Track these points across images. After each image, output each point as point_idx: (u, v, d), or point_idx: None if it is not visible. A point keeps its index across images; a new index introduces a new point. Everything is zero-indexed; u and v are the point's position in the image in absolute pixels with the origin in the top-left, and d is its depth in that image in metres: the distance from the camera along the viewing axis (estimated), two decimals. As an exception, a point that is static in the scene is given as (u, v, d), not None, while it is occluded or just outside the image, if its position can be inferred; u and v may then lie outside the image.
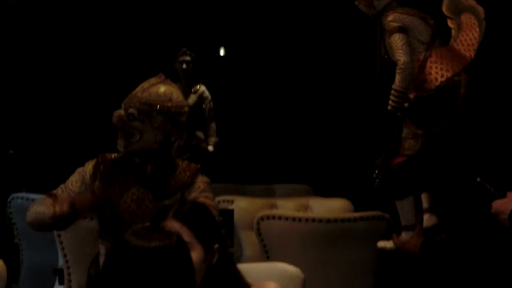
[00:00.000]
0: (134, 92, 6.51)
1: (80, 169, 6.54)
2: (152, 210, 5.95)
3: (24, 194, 9.70)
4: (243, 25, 11.83)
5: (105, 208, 6.30)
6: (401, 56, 7.78)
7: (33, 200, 9.14)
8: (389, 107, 7.79)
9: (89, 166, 6.45)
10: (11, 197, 9.78)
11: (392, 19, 7.93)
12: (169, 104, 6.46)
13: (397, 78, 7.81)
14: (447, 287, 7.78)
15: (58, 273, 8.38)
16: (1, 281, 6.14)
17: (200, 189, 6.48)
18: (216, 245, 5.27)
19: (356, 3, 8.10)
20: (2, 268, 6.17)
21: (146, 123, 6.43)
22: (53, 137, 11.20)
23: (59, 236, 8.06)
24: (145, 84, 6.54)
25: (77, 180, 6.42)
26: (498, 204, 6.15)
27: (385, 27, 7.97)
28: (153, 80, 6.60)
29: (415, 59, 7.97)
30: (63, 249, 7.96)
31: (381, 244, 8.10)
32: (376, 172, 8.07)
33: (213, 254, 5.20)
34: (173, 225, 5.22)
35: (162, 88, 6.53)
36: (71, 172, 6.72)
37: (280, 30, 11.71)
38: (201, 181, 6.53)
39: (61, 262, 8.16)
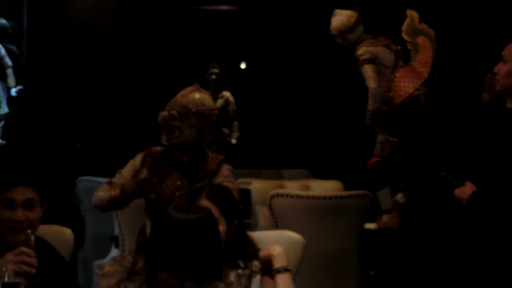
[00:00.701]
0: (175, 98, 6.70)
1: (131, 161, 6.75)
2: (188, 192, 6.08)
3: (88, 177, 9.73)
4: (257, 45, 11.82)
5: (150, 191, 6.38)
6: (371, 83, 8.00)
7: (95, 182, 9.29)
8: (367, 123, 7.99)
9: (138, 158, 6.67)
10: (78, 179, 9.83)
11: (362, 52, 8.14)
12: (203, 108, 6.62)
13: (370, 101, 8.06)
14: (420, 255, 7.84)
15: (115, 240, 8.43)
16: (69, 246, 6.19)
17: (225, 175, 6.62)
18: (236, 221, 5.39)
19: (334, 38, 8.27)
20: (70, 235, 6.24)
21: (184, 122, 6.61)
22: (111, 133, 11.17)
23: (115, 210, 8.16)
24: (184, 91, 6.70)
25: (129, 169, 6.61)
26: (458, 192, 6.23)
27: (357, 59, 8.14)
28: (190, 88, 6.76)
29: (384, 80, 8.11)
30: (118, 220, 8.01)
31: (368, 226, 8.30)
32: (357, 171, 8.26)
33: (233, 227, 5.29)
34: (204, 203, 5.34)
35: (197, 95, 6.69)
36: (125, 160, 6.85)
37: (285, 46, 11.72)
38: (226, 168, 6.68)
39: (116, 231, 8.19)
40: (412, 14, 8.42)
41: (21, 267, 4.89)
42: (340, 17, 8.52)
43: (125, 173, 6.69)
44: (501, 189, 6.18)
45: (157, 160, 6.65)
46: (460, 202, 6.26)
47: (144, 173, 6.65)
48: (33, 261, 5.00)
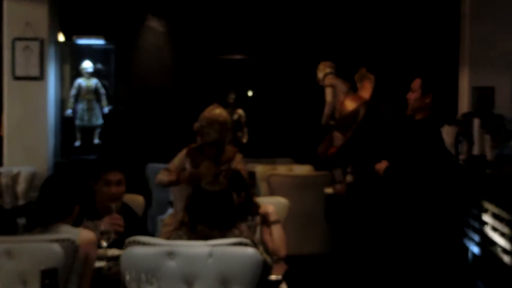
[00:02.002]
0: (203, 113, 6.83)
1: (179, 154, 6.91)
2: (214, 173, 6.22)
3: (153, 164, 9.70)
4: (260, 81, 11.77)
5: (194, 181, 6.42)
6: (328, 98, 8.11)
7: (157, 167, 9.32)
8: (322, 123, 8.17)
9: (184, 151, 6.83)
10: (147, 165, 9.84)
11: (327, 81, 8.26)
12: (221, 119, 6.71)
13: (326, 109, 8.17)
14: (361, 211, 7.92)
15: (170, 203, 8.48)
16: (141, 207, 6.34)
17: (237, 161, 6.72)
18: (243, 193, 5.53)
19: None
20: (142, 200, 6.40)
21: (210, 129, 6.69)
22: (167, 135, 11.10)
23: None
24: (208, 109, 6.83)
25: (178, 159, 6.75)
26: (377, 166, 6.41)
27: (324, 84, 8.30)
28: (212, 106, 6.89)
29: (339, 100, 8.23)
30: (172, 191, 8.09)
31: (327, 190, 8.30)
32: (321, 153, 8.37)
33: (241, 196, 5.42)
34: (223, 180, 5.49)
35: (217, 111, 6.83)
36: (175, 153, 7.03)
37: (275, 81, 11.66)
38: (239, 156, 6.80)
39: (171, 197, 8.23)
40: (361, 68, 8.55)
41: (114, 227, 5.07)
42: (321, 64, 8.78)
43: (176, 161, 6.88)
44: (403, 166, 6.36)
45: (195, 153, 6.78)
46: (378, 172, 6.47)
47: (188, 161, 6.81)
48: (121, 223, 5.20)
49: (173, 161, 6.94)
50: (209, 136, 6.82)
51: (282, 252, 5.53)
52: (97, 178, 5.69)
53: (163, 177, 6.85)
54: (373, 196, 7.65)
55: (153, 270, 3.99)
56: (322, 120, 8.54)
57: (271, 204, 5.83)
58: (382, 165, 6.53)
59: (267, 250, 5.44)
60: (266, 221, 5.64)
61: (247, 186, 5.86)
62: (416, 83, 6.46)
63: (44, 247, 4.30)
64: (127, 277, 3.82)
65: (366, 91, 8.38)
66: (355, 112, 8.22)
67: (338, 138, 8.41)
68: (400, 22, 11.45)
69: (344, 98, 8.41)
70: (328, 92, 8.61)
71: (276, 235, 5.59)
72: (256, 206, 5.73)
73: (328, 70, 8.75)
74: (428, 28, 11.25)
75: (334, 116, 8.52)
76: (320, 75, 8.78)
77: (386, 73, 10.23)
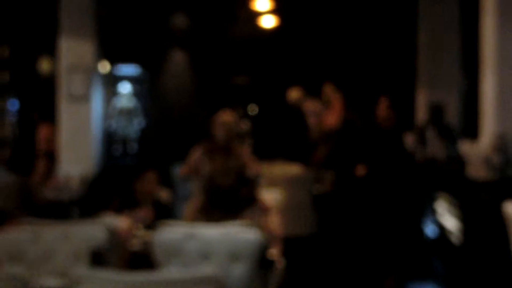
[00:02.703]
0: (215, 118, 6.70)
1: (195, 152, 6.71)
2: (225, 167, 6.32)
3: (177, 165, 9.69)
4: (261, 100, 11.82)
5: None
6: (310, 121, 7.84)
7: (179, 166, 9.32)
8: (309, 141, 7.99)
9: (199, 147, 6.64)
10: (173, 166, 9.78)
11: (305, 109, 8.03)
12: (228, 122, 6.69)
13: (310, 132, 7.94)
14: (344, 204, 7.90)
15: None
16: (169, 199, 6.33)
17: (248, 155, 6.69)
18: (249, 185, 5.52)
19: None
20: (169, 196, 6.37)
21: (221, 130, 6.64)
22: (184, 138, 11.11)
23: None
24: (219, 114, 6.75)
25: (195, 156, 6.58)
26: (357, 170, 6.32)
27: (304, 112, 8.08)
28: (221, 113, 6.79)
29: (319, 120, 8.03)
30: (192, 185, 8.11)
31: (314, 188, 8.22)
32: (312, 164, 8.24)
33: (249, 187, 5.39)
34: (233, 176, 5.49)
35: (225, 117, 6.74)
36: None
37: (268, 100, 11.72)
38: (247, 151, 6.82)
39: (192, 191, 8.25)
40: (325, 89, 8.38)
41: (145, 220, 5.11)
42: (292, 94, 8.61)
43: (192, 158, 6.85)
44: (377, 168, 6.35)
45: (209, 148, 6.62)
46: (358, 175, 6.45)
47: (205, 157, 6.67)
48: (151, 216, 5.21)
49: (190, 157, 6.96)
50: (220, 137, 6.88)
51: (278, 232, 5.54)
52: (137, 176, 5.74)
53: (181, 171, 6.88)
54: (353, 190, 7.65)
55: (177, 248, 4.02)
56: (310, 139, 8.37)
57: (269, 194, 5.84)
58: (361, 168, 6.51)
59: (265, 232, 5.45)
60: (263, 208, 5.65)
61: (253, 180, 5.86)
62: (384, 98, 6.50)
63: (92, 230, 4.37)
64: (157, 253, 3.85)
65: (337, 106, 8.25)
66: (333, 127, 8.11)
67: (322, 148, 8.29)
68: (368, 48, 11.59)
69: (322, 116, 8.23)
70: (309, 116, 8.35)
71: (273, 219, 5.61)
72: (258, 195, 5.75)
73: (300, 98, 8.52)
74: (389, 53, 11.42)
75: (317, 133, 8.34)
76: (295, 105, 8.60)
77: (356, 91, 10.29)
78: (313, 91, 8.85)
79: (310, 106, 8.27)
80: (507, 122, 5.97)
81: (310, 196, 8.48)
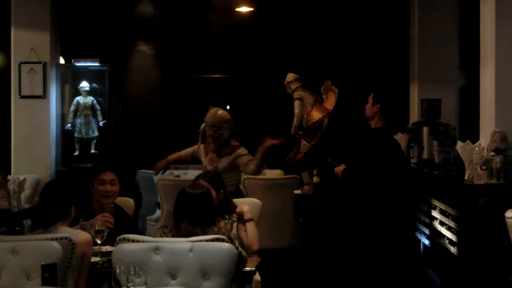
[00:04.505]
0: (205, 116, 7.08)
1: (195, 146, 7.33)
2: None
3: (143, 170, 9.71)
4: (238, 96, 11.76)
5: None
6: (296, 110, 7.97)
7: (147, 172, 9.33)
8: (291, 133, 8.07)
9: (200, 145, 7.27)
10: (137, 171, 9.82)
11: (296, 94, 8.14)
12: (217, 119, 7.13)
13: (294, 120, 8.05)
14: (326, 208, 7.91)
15: (158, 205, 8.44)
16: (132, 208, 6.28)
17: (244, 154, 7.26)
18: (222, 191, 5.50)
19: (286, 86, 8.38)
20: (132, 202, 6.34)
21: (210, 128, 7.11)
22: (155, 145, 11.09)
23: (158, 188, 8.14)
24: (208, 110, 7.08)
25: (192, 149, 7.29)
26: (336, 169, 6.40)
27: (293, 97, 8.18)
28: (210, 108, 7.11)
29: (307, 111, 8.14)
30: (160, 193, 8.06)
31: (295, 191, 8.23)
32: (290, 159, 8.29)
33: (220, 194, 5.39)
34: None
35: (212, 111, 7.12)
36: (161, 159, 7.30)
37: (248, 97, 11.66)
38: (242, 150, 7.29)
39: (159, 199, 8.21)
40: (327, 81, 8.53)
41: (105, 225, 5.02)
42: (289, 75, 8.63)
43: (188, 149, 7.30)
44: (358, 168, 6.36)
45: (206, 147, 7.12)
46: (337, 174, 6.47)
47: (202, 152, 7.25)
48: (111, 221, 5.14)
49: (187, 149, 7.18)
50: (209, 134, 6.99)
51: (255, 246, 5.49)
52: (93, 178, 5.69)
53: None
54: (336, 196, 7.66)
55: (141, 264, 3.97)
56: (291, 131, 8.46)
57: (246, 204, 5.79)
58: (339, 168, 6.54)
59: (242, 244, 5.40)
60: (241, 219, 5.61)
61: (225, 186, 5.83)
62: (371, 96, 6.52)
63: (44, 245, 4.29)
64: (118, 270, 3.80)
65: (330, 103, 8.38)
66: (320, 122, 8.21)
67: (305, 145, 8.34)
68: (361, 43, 11.63)
69: (311, 109, 8.33)
70: (296, 105, 8.47)
71: (250, 232, 5.54)
72: (233, 206, 5.70)
73: (297, 84, 8.63)
74: (383, 48, 11.45)
75: (302, 125, 8.44)
76: (289, 90, 8.70)
77: (348, 87, 10.29)
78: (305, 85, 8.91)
79: (303, 94, 8.39)
80: (509, 121, 5.97)
81: (291, 204, 8.44)
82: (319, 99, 8.52)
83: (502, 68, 6.01)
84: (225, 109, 7.37)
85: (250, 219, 5.59)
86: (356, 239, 6.66)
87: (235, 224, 5.55)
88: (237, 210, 5.62)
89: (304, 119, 8.35)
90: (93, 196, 5.70)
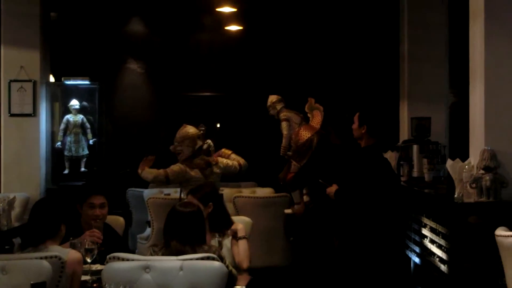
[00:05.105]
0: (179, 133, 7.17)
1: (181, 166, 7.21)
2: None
3: (133, 189, 9.72)
4: (226, 115, 11.80)
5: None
6: (285, 131, 7.94)
7: (137, 191, 9.31)
8: (281, 154, 8.06)
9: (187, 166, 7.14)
10: (128, 190, 9.82)
11: (282, 115, 8.12)
12: (190, 134, 7.21)
13: (283, 141, 8.03)
14: (317, 227, 7.91)
15: (148, 223, 8.44)
16: (122, 227, 6.27)
17: (229, 155, 7.52)
18: (211, 203, 5.49)
19: (268, 108, 8.39)
20: (122, 221, 6.33)
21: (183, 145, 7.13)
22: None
23: (148, 207, 8.14)
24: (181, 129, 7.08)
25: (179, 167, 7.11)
26: (328, 190, 6.39)
27: (280, 119, 8.17)
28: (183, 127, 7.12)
29: (294, 131, 8.12)
30: (150, 212, 8.06)
31: (286, 211, 8.25)
32: (280, 179, 8.28)
33: (208, 206, 5.37)
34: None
35: (191, 129, 7.00)
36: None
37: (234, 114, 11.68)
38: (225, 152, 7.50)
39: (149, 217, 8.22)
40: (310, 99, 8.53)
41: (93, 239, 5.00)
42: (271, 97, 8.62)
43: (175, 170, 7.15)
44: (351, 189, 6.35)
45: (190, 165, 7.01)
46: (329, 195, 6.47)
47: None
48: (100, 236, 5.12)
49: (173, 169, 7.07)
50: (183, 151, 6.97)
51: (245, 264, 5.49)
52: (82, 201, 5.66)
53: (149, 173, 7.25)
54: (327, 215, 7.66)
55: (131, 283, 3.97)
56: (280, 152, 8.46)
57: (239, 223, 5.80)
58: (332, 189, 6.54)
59: (233, 262, 5.40)
60: (235, 237, 5.61)
61: (219, 199, 5.84)
62: (356, 116, 6.54)
63: (34, 264, 4.28)
64: (109, 287, 3.80)
65: (316, 121, 8.37)
66: (309, 141, 8.20)
67: (295, 165, 8.34)
68: (351, 61, 11.69)
69: (299, 128, 8.34)
70: (284, 126, 8.47)
71: (242, 250, 5.55)
72: (230, 223, 5.70)
73: (281, 105, 8.64)
74: (373, 66, 11.51)
75: (291, 145, 8.43)
76: (273, 111, 8.70)
77: (338, 104, 10.36)
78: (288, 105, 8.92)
79: (289, 114, 8.38)
80: (498, 140, 5.98)
81: (282, 222, 8.44)
82: (305, 118, 8.56)
83: (491, 87, 6.03)
84: (210, 127, 7.46)
85: (243, 237, 5.59)
86: (347, 257, 6.66)
87: (229, 239, 5.57)
88: (232, 227, 5.63)
89: (292, 139, 8.34)
90: (82, 217, 5.67)
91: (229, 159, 7.53)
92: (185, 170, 7.09)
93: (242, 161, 7.57)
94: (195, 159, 7.14)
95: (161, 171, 7.15)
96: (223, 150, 7.72)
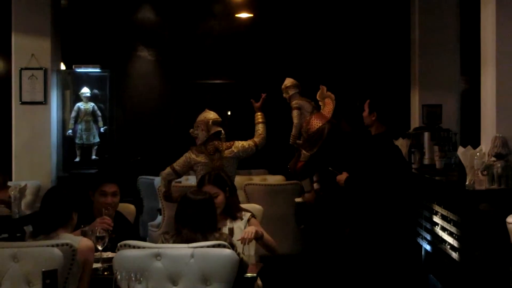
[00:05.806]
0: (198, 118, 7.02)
1: (185, 155, 7.04)
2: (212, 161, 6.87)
3: (144, 176, 9.78)
4: (237, 102, 11.79)
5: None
6: (295, 120, 7.85)
7: (148, 178, 9.33)
8: (290, 142, 8.00)
9: (189, 154, 7.01)
10: (139, 177, 9.88)
11: (294, 103, 8.02)
12: (207, 120, 7.01)
13: (293, 130, 7.95)
14: (327, 215, 7.91)
15: (159, 211, 8.45)
16: (133, 214, 6.27)
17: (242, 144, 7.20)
18: (227, 188, 5.47)
19: (283, 91, 8.26)
20: (133, 208, 6.32)
21: (199, 130, 7.01)
22: (155, 151, 11.12)
23: (159, 194, 8.15)
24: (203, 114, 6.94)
25: (184, 159, 7.00)
26: (338, 177, 6.37)
27: (291, 106, 8.07)
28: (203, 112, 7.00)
29: (306, 120, 8.04)
30: (161, 199, 8.05)
31: (297, 199, 8.21)
32: (290, 168, 8.24)
33: (227, 192, 5.35)
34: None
35: (209, 115, 6.89)
36: (164, 165, 7.03)
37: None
38: (236, 146, 7.20)
39: (160, 205, 8.22)
40: (322, 87, 8.45)
41: (104, 226, 5.01)
42: (286, 80, 8.51)
43: (181, 161, 6.99)
44: (361, 176, 6.35)
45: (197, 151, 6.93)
46: (339, 183, 6.45)
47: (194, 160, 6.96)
48: (110, 223, 5.13)
49: (179, 160, 7.00)
50: (200, 135, 6.94)
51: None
52: (95, 189, 5.66)
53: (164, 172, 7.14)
54: (337, 203, 7.65)
55: (142, 270, 3.98)
56: (290, 141, 8.39)
57: (247, 210, 5.80)
58: (342, 177, 6.54)
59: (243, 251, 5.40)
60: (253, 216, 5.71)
61: (231, 184, 5.84)
62: (366, 103, 6.53)
63: (45, 251, 4.29)
64: (119, 277, 3.80)
65: (328, 109, 8.27)
66: (320, 130, 8.11)
67: (304, 153, 8.29)
68: (361, 49, 11.68)
69: (310, 117, 8.23)
70: (295, 115, 8.32)
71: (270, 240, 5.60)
72: (240, 210, 5.70)
73: (294, 90, 8.50)
74: (383, 53, 11.49)
75: (301, 134, 8.36)
76: (285, 95, 8.62)
77: (349, 92, 10.33)
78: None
79: (301, 102, 8.28)
80: (510, 127, 5.97)
81: (292, 210, 8.44)
82: (316, 107, 8.46)
83: (503, 73, 6.02)
84: (221, 114, 7.37)
85: (253, 216, 5.67)
86: (358, 245, 6.67)
87: (242, 221, 5.57)
88: (249, 224, 5.61)
89: (303, 128, 8.21)
90: (94, 205, 5.68)
91: (258, 126, 7.42)
92: (190, 157, 7.02)
93: (260, 137, 7.40)
94: (208, 144, 7.05)
95: (168, 168, 7.12)
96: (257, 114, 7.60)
